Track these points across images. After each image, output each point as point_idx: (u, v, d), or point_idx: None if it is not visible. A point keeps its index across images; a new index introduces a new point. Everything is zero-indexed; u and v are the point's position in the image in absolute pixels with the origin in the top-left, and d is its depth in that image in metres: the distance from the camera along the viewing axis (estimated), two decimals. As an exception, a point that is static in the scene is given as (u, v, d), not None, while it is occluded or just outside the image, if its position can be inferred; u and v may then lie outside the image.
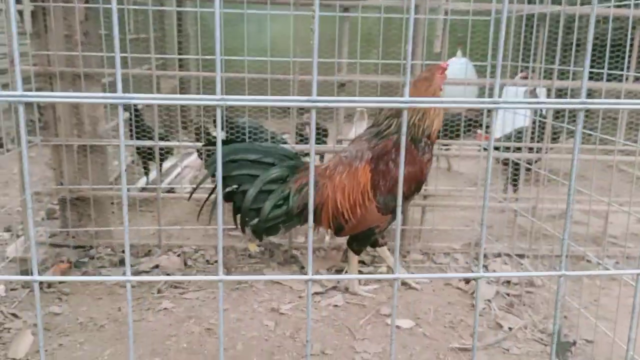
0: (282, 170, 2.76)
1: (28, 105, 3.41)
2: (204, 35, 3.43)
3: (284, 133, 4.70)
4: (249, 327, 2.63)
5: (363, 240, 2.92)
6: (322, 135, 4.75)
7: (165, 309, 2.76)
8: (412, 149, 2.76)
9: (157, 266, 3.22)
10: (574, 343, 2.49)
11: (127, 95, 0.68)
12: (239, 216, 2.79)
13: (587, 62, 0.77)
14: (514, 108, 0.81)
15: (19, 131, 2.87)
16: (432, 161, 2.93)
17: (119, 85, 0.68)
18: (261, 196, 2.72)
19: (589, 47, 0.81)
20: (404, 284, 3.06)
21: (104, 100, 0.68)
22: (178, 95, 0.71)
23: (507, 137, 4.10)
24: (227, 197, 2.82)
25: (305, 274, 3.05)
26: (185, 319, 2.67)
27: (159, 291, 2.94)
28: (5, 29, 3.17)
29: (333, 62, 3.41)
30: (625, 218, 2.48)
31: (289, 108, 4.23)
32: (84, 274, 3.13)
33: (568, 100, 0.78)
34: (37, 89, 3.37)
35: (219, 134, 0.75)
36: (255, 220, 2.74)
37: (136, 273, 3.14)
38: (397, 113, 2.75)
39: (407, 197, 2.89)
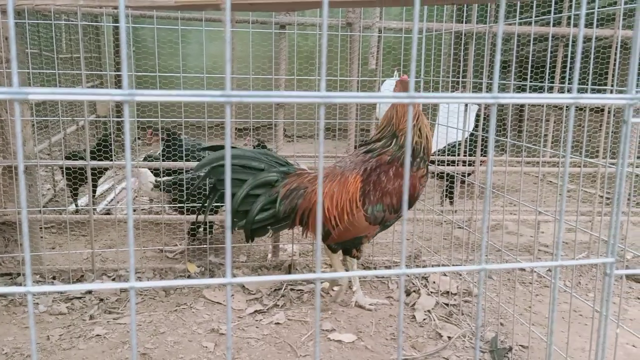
0: (270, 175, 2.82)
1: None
2: (140, 54, 3.37)
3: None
4: (187, 349, 2.54)
5: (349, 246, 2.95)
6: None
7: (97, 335, 2.63)
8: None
9: (90, 291, 3.08)
10: (510, 349, 2.54)
11: (23, 89, 0.64)
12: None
13: (498, 57, 0.80)
14: (432, 102, 0.82)
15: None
16: (428, 177, 2.97)
17: (15, 79, 0.64)
18: (249, 199, 2.79)
19: (499, 49, 0.83)
20: (359, 306, 3.04)
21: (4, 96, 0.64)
22: (81, 90, 0.67)
23: (442, 152, 4.21)
24: (219, 199, 2.96)
25: (248, 291, 2.98)
26: (119, 345, 2.55)
27: (91, 317, 2.80)
28: None
29: (270, 77, 3.42)
30: (554, 227, 2.58)
31: (245, 129, 4.21)
32: (10, 302, 2.95)
33: (480, 94, 0.80)
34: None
35: (127, 133, 0.72)
36: (243, 222, 2.80)
37: (67, 299, 2.98)
38: (394, 133, 2.80)
39: (397, 211, 2.89)
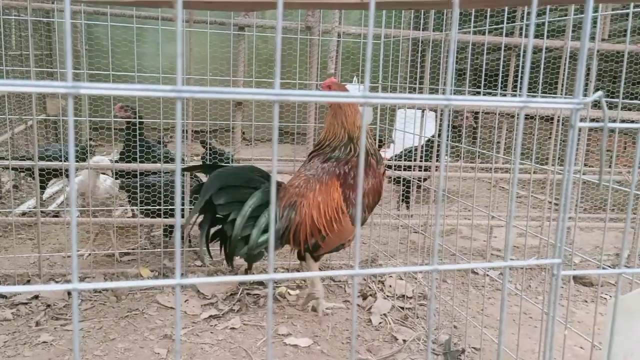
0: (264, 194, 2.62)
1: None
2: (93, 52, 3.27)
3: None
4: (139, 356, 2.47)
5: (329, 253, 2.96)
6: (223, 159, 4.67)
7: (44, 342, 2.53)
8: (373, 163, 2.82)
9: (36, 297, 2.95)
10: (463, 351, 2.59)
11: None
12: (225, 247, 2.64)
13: (451, 61, 0.81)
14: (386, 103, 0.82)
15: None
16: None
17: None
18: (249, 222, 2.58)
19: (452, 55, 0.84)
20: (313, 310, 3.01)
21: None
22: (24, 82, 0.64)
23: (399, 157, 4.26)
24: (216, 233, 2.68)
25: (203, 296, 2.93)
26: (66, 352, 2.46)
27: (37, 324, 2.69)
28: None
29: (229, 79, 3.38)
30: (506, 232, 2.64)
31: (202, 131, 4.14)
32: (-51, 309, 2.80)
33: (434, 96, 0.81)
34: None
35: (71, 129, 0.69)
36: (245, 249, 2.60)
37: (12, 305, 2.86)
38: (350, 139, 2.79)
39: (371, 208, 2.90)
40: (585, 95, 0.98)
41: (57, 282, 3.18)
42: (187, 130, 3.48)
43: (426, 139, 3.77)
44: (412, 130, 3.57)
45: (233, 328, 2.77)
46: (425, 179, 3.66)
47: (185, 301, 3.02)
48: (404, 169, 3.73)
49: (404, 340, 2.70)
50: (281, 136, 6.28)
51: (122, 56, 4.02)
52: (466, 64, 2.74)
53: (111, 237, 3.61)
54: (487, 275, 3.40)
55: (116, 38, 3.13)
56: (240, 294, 3.13)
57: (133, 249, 3.67)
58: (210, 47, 3.26)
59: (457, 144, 3.18)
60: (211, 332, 2.72)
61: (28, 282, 3.13)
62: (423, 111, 4.39)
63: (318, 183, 2.78)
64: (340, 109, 2.80)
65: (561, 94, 3.11)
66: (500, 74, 2.69)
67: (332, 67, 3.60)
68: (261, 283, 3.27)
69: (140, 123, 3.66)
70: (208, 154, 3.85)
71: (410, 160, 3.80)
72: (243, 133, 5.27)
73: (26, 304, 2.90)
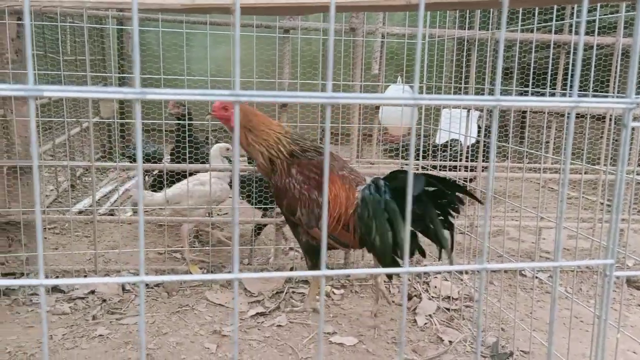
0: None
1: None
2: (144, 57, 3.40)
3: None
4: (190, 350, 2.55)
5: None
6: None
7: (100, 335, 2.65)
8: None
9: (93, 292, 3.09)
10: (511, 354, 2.55)
11: (38, 87, 0.66)
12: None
13: (500, 62, 0.82)
14: (436, 104, 0.84)
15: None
16: None
17: (30, 77, 0.66)
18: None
19: (501, 53, 0.85)
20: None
21: (10, 93, 0.66)
22: (93, 89, 0.69)
23: (444, 150, 4.21)
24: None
25: (250, 294, 3.00)
26: (121, 345, 2.56)
27: (93, 317, 2.81)
28: None
29: (274, 82, 3.44)
30: (556, 233, 2.59)
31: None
32: (14, 302, 2.97)
33: (483, 97, 0.82)
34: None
35: (139, 132, 0.74)
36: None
37: (70, 299, 3.00)
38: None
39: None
40: (638, 94, 0.96)
41: (111, 277, 3.31)
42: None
43: (472, 139, 3.72)
44: (457, 129, 3.54)
45: (279, 325, 2.82)
46: (471, 180, 3.62)
47: (233, 298, 3.09)
48: (449, 170, 3.70)
49: (450, 342, 2.68)
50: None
51: (172, 60, 4.15)
52: (513, 62, 2.70)
53: (216, 234, 3.71)
54: (536, 277, 3.34)
55: (165, 43, 3.23)
56: (286, 292, 3.18)
57: (182, 247, 3.78)
58: (256, 50, 3.33)
59: (504, 144, 3.14)
60: (258, 329, 2.77)
61: (85, 277, 3.28)
62: (468, 111, 4.34)
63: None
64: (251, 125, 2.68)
65: (613, 93, 3.02)
66: (550, 72, 2.65)
67: (375, 68, 3.61)
68: (306, 281, 3.31)
69: (190, 124, 3.77)
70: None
71: (456, 160, 3.77)
72: (288, 134, 5.35)
73: (83, 298, 3.04)
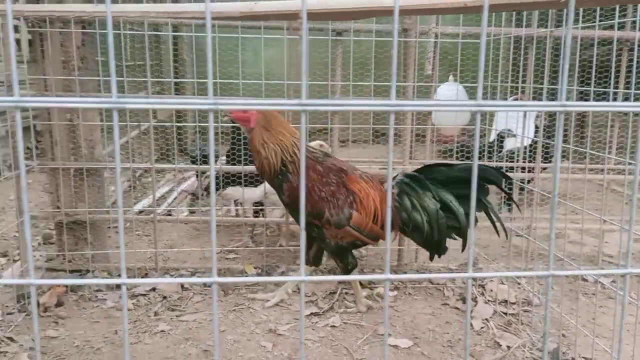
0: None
1: (25, 131, 3.44)
2: (200, 61, 3.50)
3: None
4: (247, 348, 2.61)
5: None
6: None
7: (162, 331, 2.75)
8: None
9: (154, 289, 3.21)
10: (572, 360, 2.48)
11: (120, 99, 0.70)
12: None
13: (566, 65, 0.81)
14: (498, 110, 0.83)
15: (16, 155, 2.85)
16: None
17: (114, 90, 0.71)
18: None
19: (568, 51, 0.84)
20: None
21: (98, 105, 0.71)
22: (171, 100, 0.73)
23: (500, 158, 4.14)
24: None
25: (304, 295, 3.06)
26: (182, 341, 2.65)
27: (155, 314, 2.92)
28: (3, 56, 3.20)
29: (327, 84, 3.47)
30: (620, 237, 2.50)
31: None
32: (80, 297, 3.12)
33: (548, 102, 0.81)
34: (34, 114, 3.41)
35: (211, 140, 0.77)
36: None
37: (133, 296, 3.13)
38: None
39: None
40: None
41: (171, 275, 3.43)
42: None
43: (530, 139, 3.63)
44: (514, 129, 3.47)
45: (333, 326, 2.84)
46: (529, 181, 3.54)
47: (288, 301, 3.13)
48: (506, 171, 3.62)
49: (508, 347, 2.63)
50: (377, 137, 6.30)
51: (226, 64, 4.25)
52: (573, 60, 2.63)
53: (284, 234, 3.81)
54: (599, 282, 3.22)
55: (219, 47, 3.32)
56: (340, 293, 3.20)
57: (237, 247, 3.87)
58: (309, 53, 3.36)
59: (564, 145, 3.05)
60: (312, 329, 2.81)
61: (146, 274, 3.40)
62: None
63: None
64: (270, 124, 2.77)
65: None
66: (612, 70, 2.55)
67: (429, 69, 3.57)
68: (361, 283, 3.32)
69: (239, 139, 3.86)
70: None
71: (512, 161, 3.68)
72: (338, 135, 5.36)
73: (145, 295, 3.16)
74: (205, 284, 3.31)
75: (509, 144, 4.10)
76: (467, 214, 2.73)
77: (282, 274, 3.43)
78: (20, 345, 2.59)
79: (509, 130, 4.12)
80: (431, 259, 2.95)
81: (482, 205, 2.78)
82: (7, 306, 2.95)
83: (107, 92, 3.33)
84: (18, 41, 3.08)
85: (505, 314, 2.97)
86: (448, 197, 2.79)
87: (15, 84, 0.69)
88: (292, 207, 2.87)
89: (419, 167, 2.97)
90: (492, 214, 2.80)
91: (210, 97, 0.74)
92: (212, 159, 0.77)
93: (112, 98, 0.69)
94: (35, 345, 0.81)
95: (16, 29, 3.08)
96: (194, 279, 0.84)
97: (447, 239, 2.86)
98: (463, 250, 2.90)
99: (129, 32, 5.25)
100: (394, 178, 2.91)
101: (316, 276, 3.34)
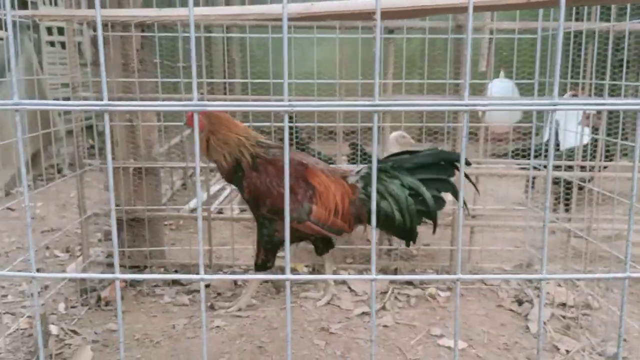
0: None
1: (88, 131, 3.58)
2: (250, 61, 3.55)
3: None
4: (299, 345, 2.64)
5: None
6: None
7: (217, 327, 2.81)
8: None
9: (208, 285, 3.29)
10: (636, 367, 2.39)
11: (201, 102, 0.73)
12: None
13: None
14: (569, 110, 0.82)
15: (79, 156, 2.98)
16: None
17: (195, 93, 0.73)
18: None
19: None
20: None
21: (181, 108, 0.73)
22: (249, 102, 0.75)
23: (558, 156, 4.02)
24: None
25: (354, 293, 3.03)
26: (237, 337, 2.71)
27: (212, 307, 2.99)
28: (68, 60, 3.34)
29: (379, 82, 3.45)
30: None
31: (352, 132, 4.32)
32: (139, 292, 3.22)
33: (630, 100, 0.79)
34: (96, 115, 3.55)
35: (287, 140, 0.79)
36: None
37: (189, 292, 3.21)
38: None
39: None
40: None
41: (224, 272, 3.50)
42: (337, 132, 3.63)
43: (591, 137, 3.51)
44: (573, 127, 3.36)
45: (385, 326, 2.83)
46: (589, 180, 3.42)
47: (340, 298, 3.15)
48: (564, 169, 3.52)
49: (567, 351, 2.56)
50: (429, 135, 6.22)
51: (273, 63, 4.30)
52: (630, 52, 2.52)
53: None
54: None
55: (265, 46, 3.37)
56: (391, 293, 3.18)
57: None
58: (360, 51, 3.36)
59: (627, 142, 2.94)
60: (364, 328, 2.81)
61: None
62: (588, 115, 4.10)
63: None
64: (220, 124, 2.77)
65: None
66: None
67: (483, 65, 3.51)
68: (410, 283, 3.30)
69: (296, 125, 3.89)
70: (358, 155, 3.97)
71: (571, 160, 3.57)
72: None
73: (199, 291, 3.23)
74: (265, 281, 3.36)
75: (568, 142, 3.98)
76: (434, 197, 2.75)
77: (334, 272, 3.44)
78: (84, 338, 2.70)
79: (557, 127, 4.00)
80: (407, 245, 2.92)
81: (449, 187, 2.79)
82: (70, 300, 3.09)
83: (165, 92, 3.43)
84: (80, 44, 3.20)
85: (564, 317, 2.89)
86: (415, 182, 2.78)
87: (104, 88, 0.73)
88: (252, 204, 2.84)
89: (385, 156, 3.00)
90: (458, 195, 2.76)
91: (285, 99, 0.75)
92: (286, 159, 0.78)
93: (194, 101, 0.72)
94: (119, 331, 0.85)
95: (80, 32, 3.20)
96: (270, 276, 0.85)
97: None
98: (434, 232, 2.86)
99: (184, 34, 5.37)
100: (358, 172, 2.91)
101: (384, 275, 3.34)
